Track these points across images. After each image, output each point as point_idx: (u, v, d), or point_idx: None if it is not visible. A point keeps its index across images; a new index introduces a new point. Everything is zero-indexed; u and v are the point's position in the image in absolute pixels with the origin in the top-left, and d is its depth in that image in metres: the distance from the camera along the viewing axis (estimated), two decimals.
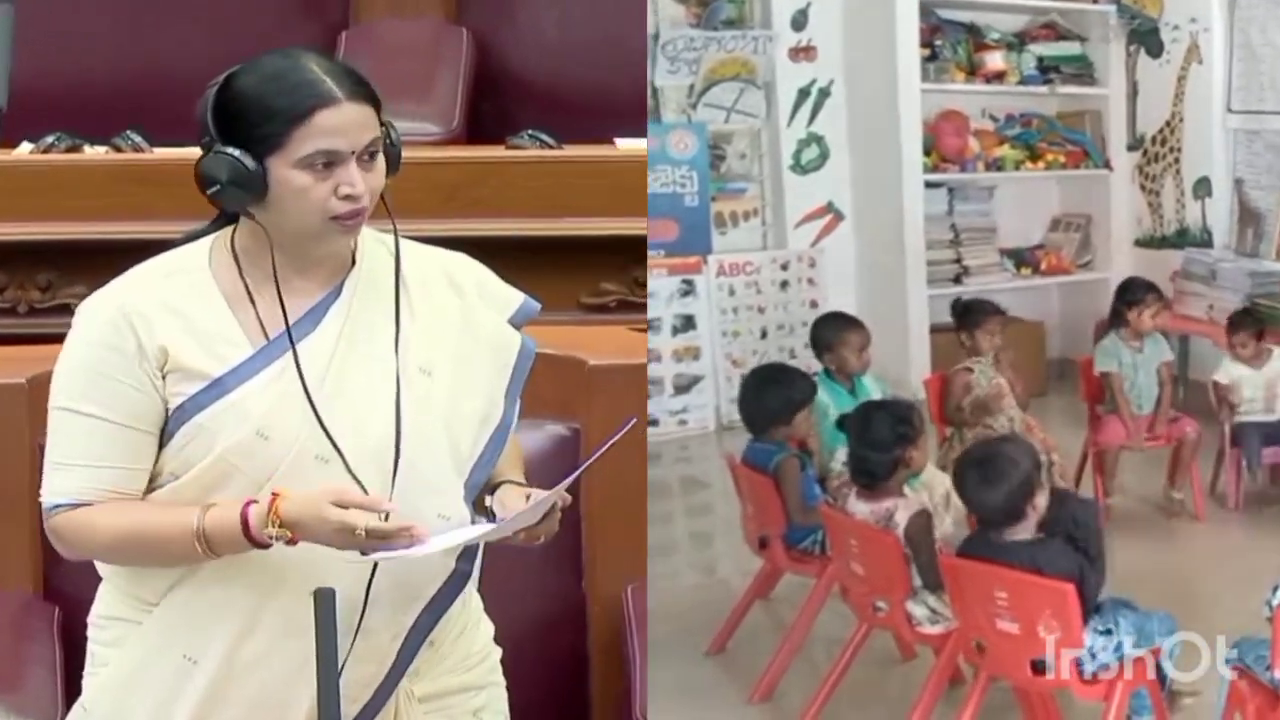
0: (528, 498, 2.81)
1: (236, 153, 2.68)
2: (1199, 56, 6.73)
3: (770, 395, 4.52)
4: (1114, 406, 5.34)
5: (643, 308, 4.77)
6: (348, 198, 2.69)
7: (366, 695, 2.83)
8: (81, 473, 2.75)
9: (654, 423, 6.36)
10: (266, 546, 2.69)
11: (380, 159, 2.74)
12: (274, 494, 2.68)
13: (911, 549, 3.93)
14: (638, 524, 3.70)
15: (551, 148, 4.76)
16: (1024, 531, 3.65)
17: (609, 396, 3.67)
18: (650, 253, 6.40)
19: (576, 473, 2.80)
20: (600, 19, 5.56)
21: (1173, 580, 4.72)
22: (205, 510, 2.71)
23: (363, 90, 2.71)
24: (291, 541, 2.67)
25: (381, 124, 2.74)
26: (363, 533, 2.63)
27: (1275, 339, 5.72)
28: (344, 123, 2.68)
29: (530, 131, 4.78)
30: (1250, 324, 5.55)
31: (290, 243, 2.75)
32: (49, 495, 2.78)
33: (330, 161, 2.68)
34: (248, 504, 2.69)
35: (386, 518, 2.68)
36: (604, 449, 2.80)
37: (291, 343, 2.75)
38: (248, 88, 2.71)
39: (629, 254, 4.67)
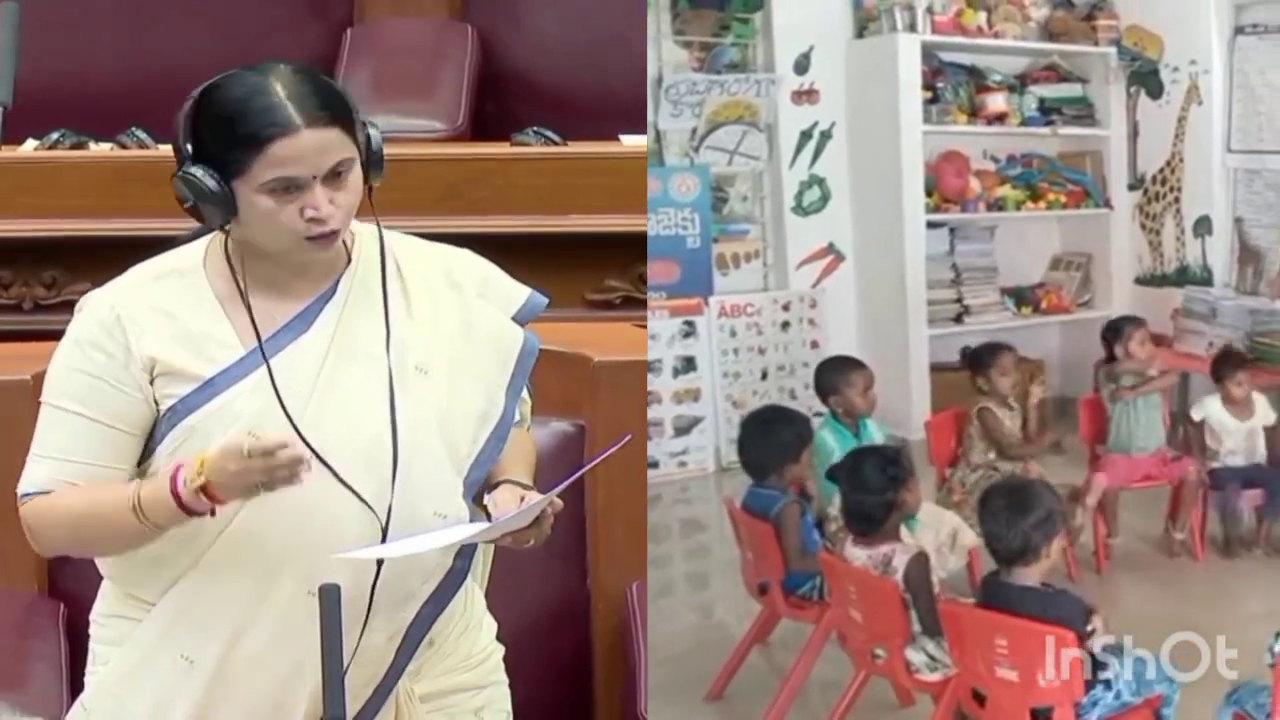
0: (521, 499, 2.79)
1: (203, 175, 2.70)
2: (1199, 97, 6.76)
3: (771, 439, 4.50)
4: (1111, 448, 5.33)
5: (647, 304, 4.75)
6: (313, 220, 2.70)
7: (366, 694, 2.83)
8: (53, 465, 2.77)
9: (654, 465, 6.34)
10: (197, 512, 2.66)
11: (354, 174, 2.73)
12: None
13: (910, 593, 3.92)
14: (642, 522, 3.70)
15: (556, 144, 4.76)
16: (1035, 575, 3.65)
17: (614, 393, 3.69)
18: (651, 294, 6.43)
19: (570, 479, 2.80)
20: (605, 16, 5.57)
21: (1174, 622, 4.70)
22: (143, 481, 2.73)
23: (327, 114, 2.70)
24: (210, 497, 2.64)
25: (357, 136, 2.73)
26: (246, 451, 2.61)
27: (1267, 380, 5.71)
28: (302, 150, 2.68)
29: (535, 128, 4.78)
30: (1237, 364, 5.47)
31: (271, 253, 2.77)
32: (22, 484, 2.79)
33: (293, 186, 2.69)
34: (179, 466, 2.68)
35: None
36: (596, 461, 2.82)
37: (263, 353, 2.74)
38: (217, 108, 2.72)
39: (633, 251, 4.67)
